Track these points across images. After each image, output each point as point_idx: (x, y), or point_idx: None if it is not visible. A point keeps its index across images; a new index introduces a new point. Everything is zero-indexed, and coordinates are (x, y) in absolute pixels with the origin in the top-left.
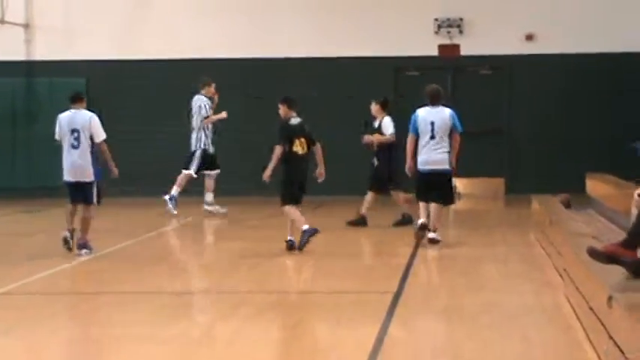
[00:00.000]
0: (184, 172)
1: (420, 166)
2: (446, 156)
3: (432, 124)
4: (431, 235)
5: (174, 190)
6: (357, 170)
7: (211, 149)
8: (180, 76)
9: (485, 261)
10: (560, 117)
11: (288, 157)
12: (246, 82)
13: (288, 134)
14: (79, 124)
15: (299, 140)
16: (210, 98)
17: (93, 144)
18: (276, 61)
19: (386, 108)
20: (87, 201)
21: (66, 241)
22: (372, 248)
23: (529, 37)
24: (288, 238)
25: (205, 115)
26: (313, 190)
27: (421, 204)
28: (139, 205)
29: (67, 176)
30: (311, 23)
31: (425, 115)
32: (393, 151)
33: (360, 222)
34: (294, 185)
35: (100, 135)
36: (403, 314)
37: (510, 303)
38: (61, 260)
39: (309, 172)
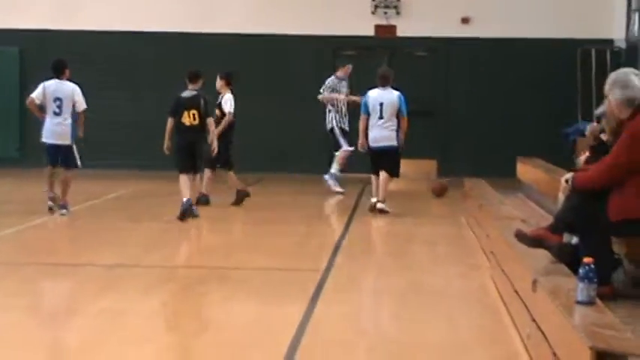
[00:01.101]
0: (337, 154)
1: (372, 143)
2: (394, 134)
3: (381, 105)
4: (379, 205)
5: (334, 169)
6: (296, 147)
7: (346, 126)
8: (118, 48)
9: (415, 242)
10: (493, 100)
11: (178, 127)
12: (184, 56)
13: (176, 106)
14: (63, 94)
15: (188, 112)
16: (343, 79)
17: (73, 112)
18: (215, 37)
19: (230, 84)
20: (67, 164)
21: (50, 209)
22: (303, 226)
23: (465, 21)
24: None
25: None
26: (254, 165)
27: (374, 179)
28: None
29: (49, 139)
30: (250, 0)
31: (375, 96)
32: (232, 130)
33: (203, 200)
34: (181, 154)
35: (83, 104)
36: (331, 292)
37: (438, 284)
38: None
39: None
